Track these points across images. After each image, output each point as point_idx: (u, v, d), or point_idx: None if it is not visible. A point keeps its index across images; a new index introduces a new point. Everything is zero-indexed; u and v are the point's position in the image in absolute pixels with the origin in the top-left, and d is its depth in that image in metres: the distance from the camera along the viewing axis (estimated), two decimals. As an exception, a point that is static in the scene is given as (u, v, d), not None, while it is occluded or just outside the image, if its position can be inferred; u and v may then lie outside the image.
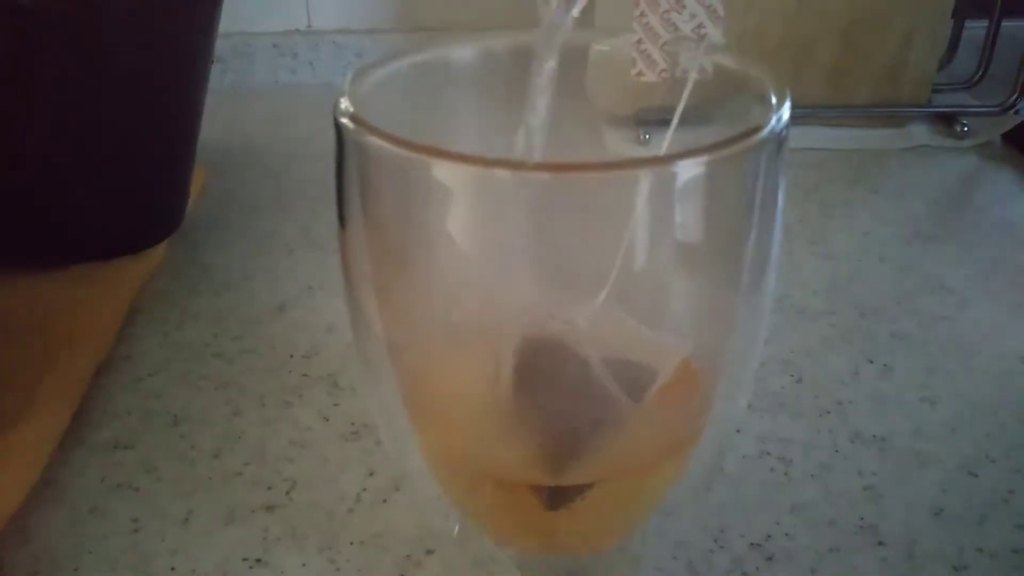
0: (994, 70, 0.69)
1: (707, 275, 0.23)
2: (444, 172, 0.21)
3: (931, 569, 0.30)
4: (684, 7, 0.26)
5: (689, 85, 0.26)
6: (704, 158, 0.20)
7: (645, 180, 0.20)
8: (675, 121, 0.25)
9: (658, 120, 0.26)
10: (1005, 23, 0.66)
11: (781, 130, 0.21)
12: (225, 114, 0.71)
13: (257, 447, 0.36)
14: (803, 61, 0.65)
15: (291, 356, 0.41)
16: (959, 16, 0.71)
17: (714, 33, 0.26)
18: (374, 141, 0.21)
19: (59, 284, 0.45)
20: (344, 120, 0.22)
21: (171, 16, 0.46)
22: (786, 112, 0.21)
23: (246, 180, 0.60)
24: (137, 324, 0.44)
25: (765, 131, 0.21)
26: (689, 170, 0.20)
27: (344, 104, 0.22)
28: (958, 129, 0.65)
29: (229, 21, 0.51)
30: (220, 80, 0.75)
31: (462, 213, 0.22)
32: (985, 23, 0.67)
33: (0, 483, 0.32)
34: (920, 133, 0.66)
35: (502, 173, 0.20)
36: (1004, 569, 0.30)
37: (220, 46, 0.52)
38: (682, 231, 0.21)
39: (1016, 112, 0.65)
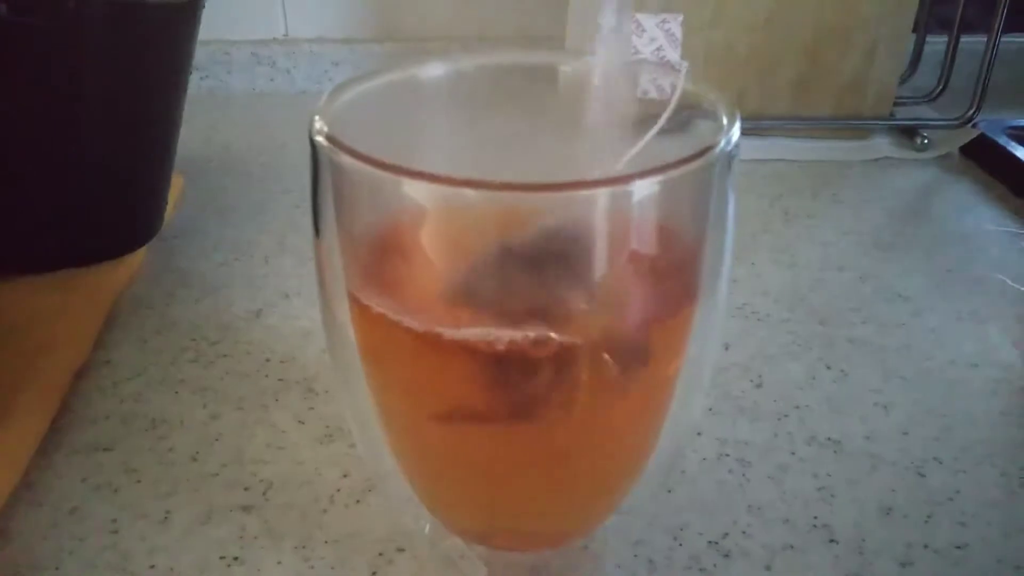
0: (954, 84, 0.71)
1: (664, 284, 0.25)
2: (414, 190, 0.22)
3: (880, 565, 0.31)
4: (644, 31, 0.27)
5: (672, 104, 0.27)
6: (660, 177, 0.21)
7: (603, 199, 0.21)
8: (650, 135, 0.26)
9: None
10: (964, 39, 0.69)
11: (731, 149, 0.23)
12: (203, 121, 0.72)
13: (234, 449, 0.37)
14: (769, 75, 0.67)
15: (267, 361, 0.42)
16: (920, 32, 0.73)
17: (672, 56, 0.27)
18: (347, 160, 0.22)
19: (38, 290, 0.45)
20: (319, 139, 0.23)
21: (149, 25, 0.47)
22: (736, 133, 0.23)
23: (224, 187, 0.61)
24: (115, 330, 0.45)
25: (716, 150, 0.22)
26: (645, 189, 0.21)
27: (318, 123, 0.23)
28: (919, 141, 0.68)
29: (207, 29, 0.52)
30: (198, 87, 0.76)
31: (431, 227, 0.24)
32: (945, 39, 0.70)
33: (-19, 485, 0.33)
34: (882, 145, 0.68)
35: (469, 192, 0.21)
36: (948, 565, 0.31)
37: (198, 54, 0.53)
38: (639, 243, 0.23)
39: (974, 125, 0.67)
